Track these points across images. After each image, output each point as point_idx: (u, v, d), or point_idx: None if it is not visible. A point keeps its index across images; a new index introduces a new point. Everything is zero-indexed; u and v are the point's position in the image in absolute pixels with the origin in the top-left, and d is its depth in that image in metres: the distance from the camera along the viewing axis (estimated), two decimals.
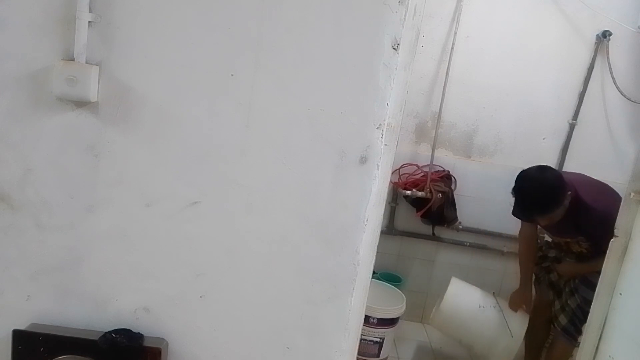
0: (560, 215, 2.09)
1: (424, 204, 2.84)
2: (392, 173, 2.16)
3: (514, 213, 2.30)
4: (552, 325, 2.42)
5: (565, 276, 2.34)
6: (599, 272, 2.04)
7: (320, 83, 0.95)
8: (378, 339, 2.54)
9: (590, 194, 2.11)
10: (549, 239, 2.56)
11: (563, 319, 2.27)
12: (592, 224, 2.06)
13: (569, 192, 2.05)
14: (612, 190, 2.20)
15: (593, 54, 2.84)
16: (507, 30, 2.82)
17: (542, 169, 2.12)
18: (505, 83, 2.87)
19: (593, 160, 2.95)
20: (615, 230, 1.38)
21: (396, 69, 0.93)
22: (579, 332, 2.21)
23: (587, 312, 2.09)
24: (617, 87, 2.81)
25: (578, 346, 2.25)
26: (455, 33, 2.80)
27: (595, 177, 2.66)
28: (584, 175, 2.33)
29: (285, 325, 1.05)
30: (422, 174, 2.92)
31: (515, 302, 2.44)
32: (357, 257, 1.01)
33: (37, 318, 1.05)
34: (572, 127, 2.94)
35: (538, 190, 2.05)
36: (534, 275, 2.55)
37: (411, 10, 0.95)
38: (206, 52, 0.94)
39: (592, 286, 2.10)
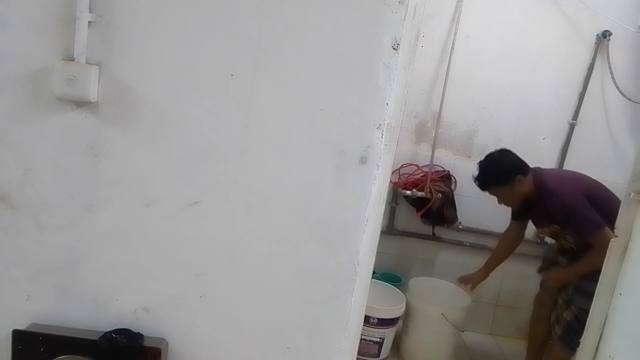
0: (510, 197, 2.29)
1: (424, 204, 2.84)
2: (392, 173, 2.16)
3: None
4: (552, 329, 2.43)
5: (555, 284, 2.34)
6: (590, 279, 2.08)
7: (320, 83, 0.95)
8: (378, 339, 2.54)
9: (558, 184, 2.24)
10: (549, 241, 2.58)
11: (558, 330, 2.28)
12: (555, 209, 2.19)
13: (518, 177, 2.21)
14: (594, 184, 2.24)
15: (593, 54, 2.84)
16: (507, 30, 2.83)
17: (501, 152, 2.34)
18: (505, 83, 2.87)
19: (593, 160, 2.95)
20: (615, 230, 1.38)
21: (396, 69, 0.93)
22: (576, 343, 2.20)
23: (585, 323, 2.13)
24: (617, 87, 2.81)
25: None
26: (455, 33, 2.80)
27: (595, 177, 2.67)
28: (570, 171, 2.41)
29: (285, 325, 1.05)
30: (422, 174, 2.92)
31: (463, 279, 2.61)
32: (357, 257, 1.01)
33: (37, 318, 1.05)
34: (572, 127, 2.95)
35: (486, 166, 2.29)
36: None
37: (411, 10, 0.95)
38: (206, 52, 0.94)
39: (587, 295, 2.13)
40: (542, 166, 2.99)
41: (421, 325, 2.67)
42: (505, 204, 2.39)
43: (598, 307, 1.40)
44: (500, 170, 2.26)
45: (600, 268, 2.13)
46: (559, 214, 2.19)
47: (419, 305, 2.64)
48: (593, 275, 2.10)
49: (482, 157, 2.36)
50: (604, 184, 2.29)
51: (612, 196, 2.21)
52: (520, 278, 3.03)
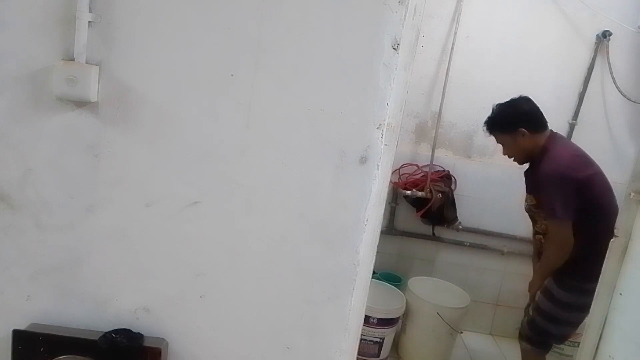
0: (511, 148, 2.18)
1: (424, 204, 2.85)
2: (392, 173, 2.16)
3: None
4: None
5: (533, 292, 2.26)
6: (552, 278, 2.07)
7: (320, 83, 0.95)
8: (378, 339, 2.54)
9: (564, 153, 2.10)
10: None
11: (523, 332, 2.26)
12: (542, 173, 2.07)
13: (520, 129, 2.12)
14: (601, 179, 2.09)
15: (593, 54, 2.84)
16: (507, 30, 2.83)
17: (519, 99, 2.21)
18: (505, 83, 2.87)
19: None
20: (615, 230, 1.38)
21: (396, 69, 0.93)
22: (537, 342, 2.18)
23: (537, 321, 2.10)
24: (617, 87, 2.81)
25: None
26: (455, 33, 2.80)
27: None
28: (589, 158, 2.19)
29: (285, 325, 1.05)
30: (422, 174, 2.93)
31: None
32: (357, 257, 1.01)
33: (37, 318, 1.05)
34: (572, 127, 2.95)
35: (497, 110, 2.22)
36: None
37: (411, 10, 0.95)
38: (206, 52, 0.94)
39: (546, 293, 2.10)
40: None
41: (419, 324, 2.67)
42: (508, 156, 2.26)
43: (598, 307, 1.41)
44: (506, 117, 2.17)
45: (554, 265, 2.09)
46: (542, 179, 2.06)
47: (416, 305, 2.65)
48: (556, 274, 2.07)
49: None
50: None
51: (611, 201, 2.06)
52: (520, 278, 3.03)
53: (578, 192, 1.98)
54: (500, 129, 2.19)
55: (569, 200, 1.98)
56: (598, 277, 1.66)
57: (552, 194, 2.01)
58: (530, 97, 2.22)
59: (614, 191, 2.09)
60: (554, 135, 2.18)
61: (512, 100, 2.20)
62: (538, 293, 2.17)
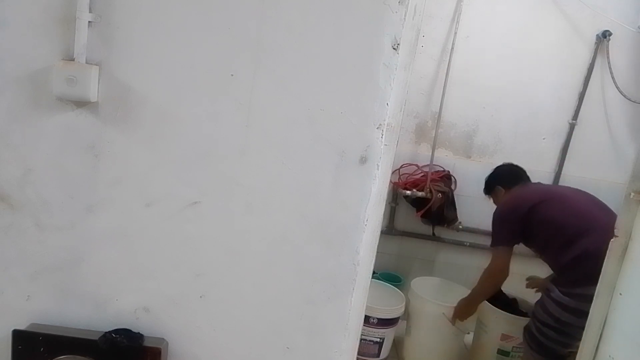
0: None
1: (424, 204, 2.84)
2: (392, 173, 2.16)
3: None
4: None
5: (461, 317, 2.48)
6: (546, 294, 2.15)
7: (320, 83, 0.95)
8: (378, 339, 2.54)
9: (511, 196, 2.35)
10: None
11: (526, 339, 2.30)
12: None
13: (497, 188, 2.46)
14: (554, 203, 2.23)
15: (593, 54, 2.84)
16: (507, 30, 2.83)
17: (502, 165, 2.57)
18: (505, 83, 2.87)
19: (593, 160, 2.95)
20: (615, 230, 1.38)
21: (396, 69, 0.93)
22: (541, 348, 2.19)
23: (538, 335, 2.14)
24: (617, 87, 2.81)
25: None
26: (455, 33, 2.80)
27: (595, 177, 2.67)
28: (554, 187, 2.48)
29: (285, 325, 1.05)
30: (422, 174, 2.92)
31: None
32: (357, 257, 1.01)
33: (37, 318, 1.05)
34: (572, 127, 2.95)
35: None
36: None
37: (411, 10, 0.95)
38: (206, 52, 0.94)
39: (542, 306, 2.14)
40: (541, 167, 3.01)
41: (424, 326, 2.66)
42: None
43: (598, 307, 1.40)
44: (486, 181, 2.54)
45: (486, 291, 2.35)
46: None
47: (420, 306, 2.64)
48: (551, 288, 2.11)
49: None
50: (603, 184, 2.29)
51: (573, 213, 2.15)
52: (520, 278, 3.03)
53: (522, 222, 2.21)
54: (485, 192, 2.56)
55: (504, 227, 2.26)
56: (585, 283, 1.79)
57: (492, 229, 2.32)
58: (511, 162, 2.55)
59: (616, 192, 2.16)
60: (522, 186, 2.39)
61: (497, 166, 2.58)
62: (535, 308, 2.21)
